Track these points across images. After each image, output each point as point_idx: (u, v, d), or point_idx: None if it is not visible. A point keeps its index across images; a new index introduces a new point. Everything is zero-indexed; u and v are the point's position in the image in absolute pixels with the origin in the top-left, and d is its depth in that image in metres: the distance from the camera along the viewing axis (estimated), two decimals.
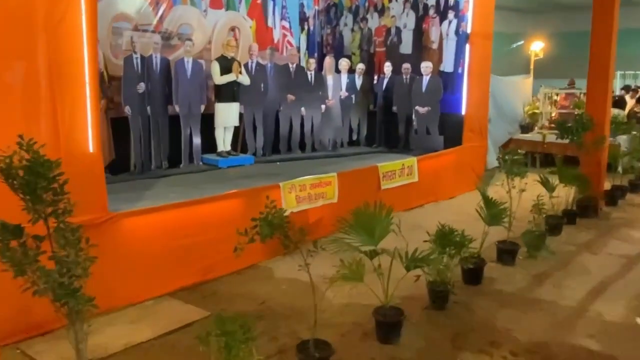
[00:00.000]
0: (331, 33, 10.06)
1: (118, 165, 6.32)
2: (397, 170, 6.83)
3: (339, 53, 9.82)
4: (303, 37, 9.83)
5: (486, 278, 4.69)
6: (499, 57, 12.54)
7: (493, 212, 4.42)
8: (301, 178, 5.47)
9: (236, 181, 6.01)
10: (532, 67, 11.85)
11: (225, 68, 7.02)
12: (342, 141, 8.99)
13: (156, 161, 6.68)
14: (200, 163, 7.10)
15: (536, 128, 10.95)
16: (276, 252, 5.07)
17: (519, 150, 4.94)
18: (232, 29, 8.47)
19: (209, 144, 7.36)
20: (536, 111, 10.92)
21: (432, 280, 4.05)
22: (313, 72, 8.28)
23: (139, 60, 6.25)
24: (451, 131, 8.42)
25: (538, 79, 11.49)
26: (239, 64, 7.20)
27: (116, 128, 6.24)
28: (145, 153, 6.48)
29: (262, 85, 7.71)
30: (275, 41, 9.19)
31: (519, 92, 11.02)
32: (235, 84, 7.12)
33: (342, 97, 8.70)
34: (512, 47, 13.44)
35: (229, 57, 7.11)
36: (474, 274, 4.51)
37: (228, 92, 7.09)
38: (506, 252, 4.99)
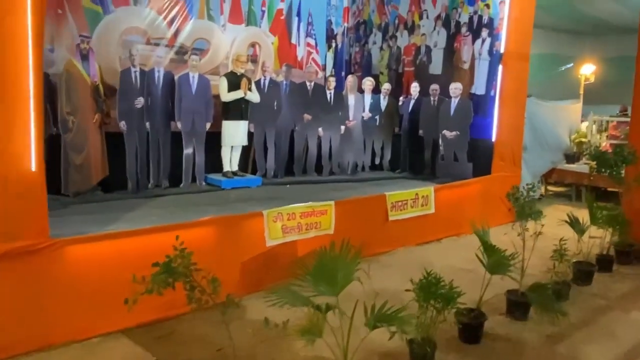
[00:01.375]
0: (360, 51, 9.60)
1: (114, 182, 6.02)
2: (410, 200, 6.18)
3: (366, 72, 9.40)
4: (330, 55, 9.40)
5: (488, 335, 3.97)
6: (546, 80, 11.63)
7: (495, 259, 3.71)
8: (290, 206, 4.96)
9: (233, 204, 5.63)
10: (581, 91, 10.86)
11: (234, 84, 6.66)
12: (363, 165, 8.48)
13: (154, 179, 6.34)
14: (203, 183, 6.73)
15: (583, 158, 9.95)
16: (255, 287, 4.57)
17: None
18: (252, 45, 8.18)
19: (217, 163, 6.97)
20: (583, 140, 9.93)
21: (412, 339, 3.38)
22: (332, 91, 7.80)
23: (137, 74, 5.95)
24: (482, 158, 7.70)
25: (588, 105, 10.49)
26: (249, 80, 6.81)
27: (115, 144, 5.92)
28: (142, 171, 6.13)
29: (275, 103, 7.27)
30: (299, 58, 8.83)
31: (565, 118, 10.07)
32: (243, 101, 6.74)
33: (364, 118, 8.21)
34: (560, 69, 12.46)
35: (239, 74, 6.73)
36: (470, 331, 3.80)
37: (235, 110, 6.71)
38: (517, 305, 4.24)
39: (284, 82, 7.52)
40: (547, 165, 9.43)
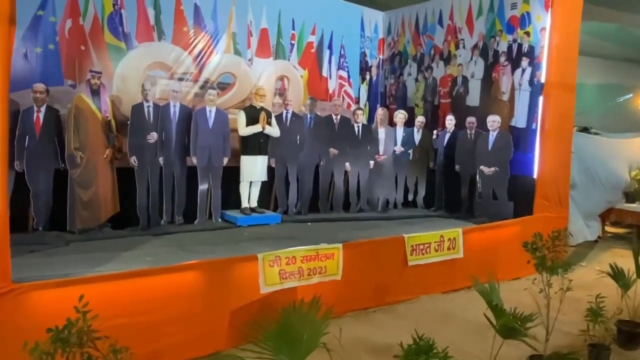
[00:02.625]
0: (395, 83, 9.22)
1: (125, 218, 5.89)
2: (433, 242, 5.64)
3: (401, 104, 9.00)
4: (364, 88, 9.07)
5: None
6: (602, 111, 10.71)
7: (504, 321, 3.14)
8: (290, 249, 4.59)
9: (242, 244, 5.38)
10: None
11: (252, 118, 6.46)
12: (395, 202, 8.05)
13: (167, 216, 6.18)
14: (219, 220, 6.50)
15: None
16: (244, 339, 4.17)
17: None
18: (281, 79, 7.96)
19: (237, 199, 6.79)
20: None
21: None
22: (360, 125, 7.48)
23: (150, 109, 5.86)
24: (524, 197, 7.06)
25: None
26: (268, 114, 6.58)
27: (128, 179, 5.84)
28: (154, 207, 5.99)
29: (297, 137, 7.02)
30: (331, 91, 8.56)
31: (623, 152, 9.16)
32: (261, 135, 6.53)
33: (396, 152, 7.83)
34: (619, 100, 11.49)
35: (258, 107, 6.52)
36: None
37: (253, 144, 6.52)
38: None
39: (308, 116, 7.25)
40: (602, 205, 8.56)
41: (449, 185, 7.78)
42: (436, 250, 5.66)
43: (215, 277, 4.14)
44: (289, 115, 7.02)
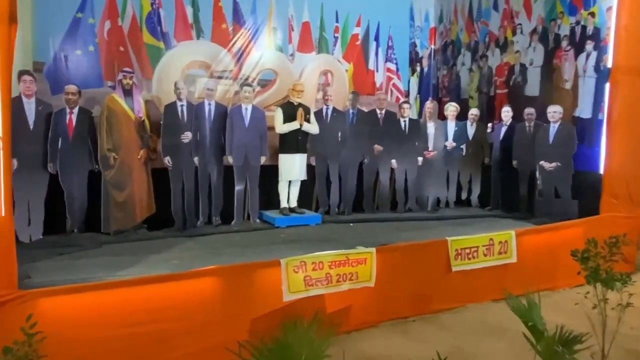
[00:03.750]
0: (447, 74, 8.76)
1: (161, 219, 5.83)
2: (482, 246, 5.18)
3: (455, 96, 8.57)
4: (414, 80, 8.67)
5: None
6: None
7: (546, 344, 2.68)
8: (316, 253, 4.31)
9: (275, 246, 5.21)
10: None
11: (290, 115, 6.25)
12: (447, 201, 7.64)
13: (204, 216, 6.07)
14: (257, 220, 6.33)
15: None
16: None
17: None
18: (324, 73, 7.70)
19: (277, 199, 6.65)
20: None
21: None
22: (407, 119, 7.10)
23: (184, 108, 5.75)
24: (590, 195, 6.43)
25: None
26: (306, 110, 6.36)
27: (164, 180, 5.80)
28: (190, 208, 5.90)
29: (339, 134, 6.74)
30: (378, 85, 8.22)
31: None
32: (299, 132, 6.31)
33: (448, 148, 7.40)
34: None
35: (295, 104, 6.29)
36: None
37: (291, 142, 6.31)
38: None
39: (350, 111, 6.92)
40: None
41: (506, 183, 7.28)
42: (485, 255, 5.19)
43: (234, 284, 3.92)
44: (329, 111, 6.73)
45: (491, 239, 5.25)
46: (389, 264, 4.62)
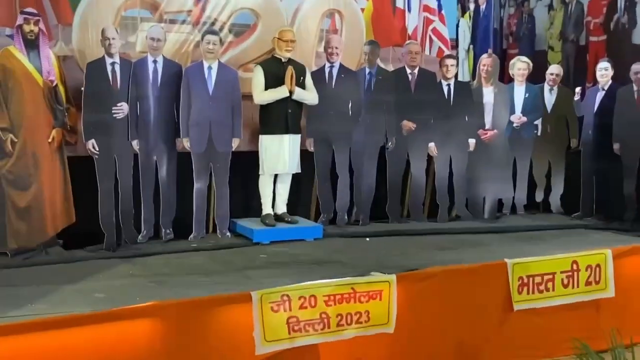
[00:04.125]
0: (516, 14, 8.89)
1: (86, 233, 5.90)
2: (560, 273, 5.19)
3: (527, 47, 8.74)
4: (465, 24, 8.69)
5: None
6: None
7: None
8: (308, 283, 4.33)
9: (251, 272, 5.33)
10: None
11: (275, 78, 6.28)
12: (513, 204, 7.76)
13: (147, 228, 6.17)
14: (227, 234, 6.43)
15: None
16: None
17: None
18: (330, 15, 7.74)
19: (256, 201, 6.71)
20: None
21: None
22: (452, 83, 7.16)
23: (117, 68, 5.80)
24: None
25: None
26: (299, 70, 6.38)
27: (88, 174, 5.84)
28: (127, 216, 5.99)
29: (349, 105, 6.78)
30: (410, 32, 8.23)
31: None
32: (289, 103, 6.33)
33: (515, 124, 7.46)
34: None
35: (283, 60, 6.35)
36: None
37: (277, 118, 6.34)
38: None
39: (367, 71, 6.96)
40: None
41: (603, 177, 7.40)
42: (565, 286, 5.20)
43: (182, 329, 3.92)
44: (335, 71, 6.75)
45: (575, 262, 5.25)
46: (417, 300, 4.64)
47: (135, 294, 4.47)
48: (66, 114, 5.67)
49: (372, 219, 7.09)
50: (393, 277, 4.55)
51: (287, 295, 4.19)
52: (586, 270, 5.26)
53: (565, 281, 5.20)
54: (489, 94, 7.30)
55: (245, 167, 6.48)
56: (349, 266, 5.29)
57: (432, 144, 7.15)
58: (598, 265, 5.31)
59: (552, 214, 7.68)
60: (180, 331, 3.95)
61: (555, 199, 7.74)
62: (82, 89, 5.73)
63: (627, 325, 5.24)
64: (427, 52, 8.24)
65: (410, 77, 7.07)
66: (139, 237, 6.10)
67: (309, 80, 6.47)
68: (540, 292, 5.11)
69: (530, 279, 5.06)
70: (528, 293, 5.06)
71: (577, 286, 5.24)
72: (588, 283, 5.28)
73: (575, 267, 5.25)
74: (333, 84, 6.74)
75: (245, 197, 6.71)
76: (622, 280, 5.37)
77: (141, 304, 3.97)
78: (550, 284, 5.14)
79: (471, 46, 8.78)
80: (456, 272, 4.90)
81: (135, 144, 5.96)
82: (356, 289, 4.40)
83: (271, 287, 4.23)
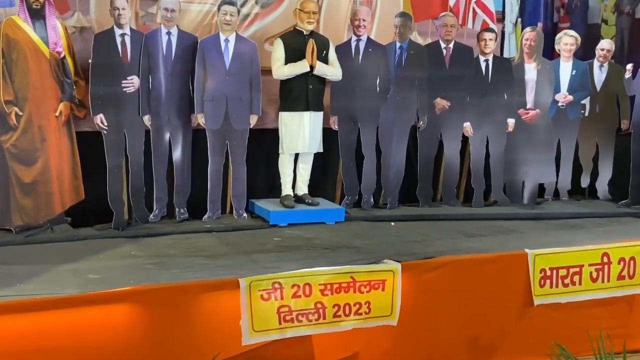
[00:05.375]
0: None
1: (96, 210, 5.89)
2: (588, 265, 5.05)
3: (580, 20, 8.44)
4: None
5: None
6: None
7: None
8: (302, 270, 4.25)
9: (258, 256, 5.18)
10: None
11: (295, 51, 6.13)
12: (556, 189, 7.59)
13: (159, 207, 6.11)
14: (244, 215, 6.35)
15: None
16: None
17: None
18: None
19: (275, 183, 6.68)
20: None
21: None
22: (491, 59, 6.95)
23: (127, 40, 5.71)
24: None
25: None
26: (322, 43, 6.22)
27: (99, 150, 5.79)
28: (138, 194, 5.94)
29: (377, 81, 6.64)
30: (452, 4, 7.90)
31: None
32: (310, 79, 6.17)
33: (560, 104, 7.25)
34: None
35: (305, 33, 6.19)
36: None
37: (298, 94, 6.19)
38: None
39: (398, 45, 6.77)
40: None
41: None
42: (594, 280, 5.09)
43: (163, 317, 3.89)
44: (362, 45, 6.57)
45: (606, 254, 5.11)
46: (425, 291, 4.54)
47: (131, 276, 4.40)
48: (74, 87, 5.62)
49: (402, 202, 6.98)
50: (398, 267, 4.49)
51: (279, 283, 4.16)
52: (619, 263, 5.20)
53: (595, 275, 5.13)
54: (531, 70, 7.07)
55: (272, 144, 6.41)
56: (363, 252, 5.13)
57: (467, 124, 6.97)
58: (632, 258, 5.25)
59: (598, 200, 7.52)
60: (162, 318, 3.95)
61: (602, 185, 7.55)
62: (90, 61, 5.64)
63: None
64: (469, 25, 7.90)
65: (444, 51, 6.87)
66: (151, 216, 6.05)
67: (332, 55, 6.31)
68: (566, 285, 5.03)
69: (554, 271, 4.99)
70: (551, 287, 4.99)
71: (608, 280, 5.18)
72: (621, 277, 5.23)
73: (606, 259, 5.19)
74: (360, 58, 6.57)
75: (271, 177, 6.64)
76: None
77: (120, 289, 3.99)
78: (576, 278, 5.07)
79: (519, 19, 8.42)
80: (469, 262, 4.81)
81: (147, 119, 5.88)
82: (356, 277, 4.35)
83: (276, 273, 4.22)
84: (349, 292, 4.27)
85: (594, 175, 7.58)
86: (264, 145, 6.50)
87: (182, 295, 4.00)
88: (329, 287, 4.22)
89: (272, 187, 6.70)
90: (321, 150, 6.45)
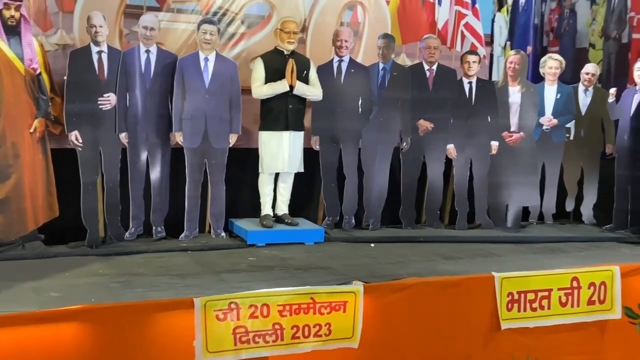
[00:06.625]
0: (557, 9, 8.59)
1: (70, 228, 5.80)
2: (558, 290, 5.01)
3: (569, 44, 8.52)
4: (502, 19, 8.39)
5: None
6: None
7: None
8: (261, 291, 4.19)
9: (227, 276, 5.12)
10: None
11: (275, 71, 6.12)
12: (541, 212, 7.54)
13: (136, 226, 6.06)
14: (222, 234, 6.28)
15: None
16: None
17: None
18: (352, 7, 7.50)
19: (255, 202, 6.57)
20: None
21: None
22: (474, 81, 6.91)
23: (104, 57, 5.69)
24: None
25: None
26: (302, 63, 6.21)
27: (74, 167, 5.76)
28: (113, 212, 5.90)
29: (359, 102, 6.60)
30: (440, 27, 7.92)
31: None
32: (290, 98, 6.15)
33: (545, 127, 7.22)
34: None
35: (285, 53, 6.17)
36: None
37: (277, 113, 6.18)
38: None
39: (381, 66, 6.74)
40: None
41: (638, 186, 7.00)
42: (563, 305, 5.04)
43: (116, 334, 3.83)
44: (344, 66, 6.54)
45: (575, 279, 5.08)
46: (387, 314, 4.46)
47: (93, 294, 4.36)
48: (50, 103, 5.59)
49: (386, 224, 6.95)
50: (360, 288, 4.43)
51: (236, 303, 4.09)
52: (589, 288, 5.16)
53: (564, 299, 5.11)
54: (515, 93, 7.03)
55: (256, 164, 6.34)
56: (337, 273, 5.07)
57: (450, 146, 6.92)
58: (603, 283, 5.23)
59: (583, 224, 7.49)
60: (114, 337, 3.88)
61: (587, 209, 7.51)
62: (65, 78, 5.63)
63: (635, 350, 4.94)
64: (457, 48, 7.90)
65: (427, 73, 6.84)
66: (127, 234, 6.00)
67: (313, 75, 6.28)
68: (534, 310, 4.99)
69: (522, 295, 4.94)
70: (519, 311, 4.94)
71: (578, 305, 5.15)
72: (591, 302, 5.20)
73: (575, 284, 5.17)
74: (342, 79, 6.55)
75: (255, 196, 6.51)
76: (632, 300, 4.99)
77: (71, 307, 3.90)
78: (545, 302, 5.03)
79: (508, 43, 8.40)
80: (433, 285, 4.75)
81: (123, 136, 5.85)
82: (316, 299, 4.29)
83: (243, 292, 4.19)
84: (309, 313, 4.21)
85: (579, 199, 7.53)
86: (249, 164, 6.46)
87: (135, 314, 3.93)
88: (287, 308, 4.16)
89: (256, 207, 6.59)
90: (302, 170, 6.40)
